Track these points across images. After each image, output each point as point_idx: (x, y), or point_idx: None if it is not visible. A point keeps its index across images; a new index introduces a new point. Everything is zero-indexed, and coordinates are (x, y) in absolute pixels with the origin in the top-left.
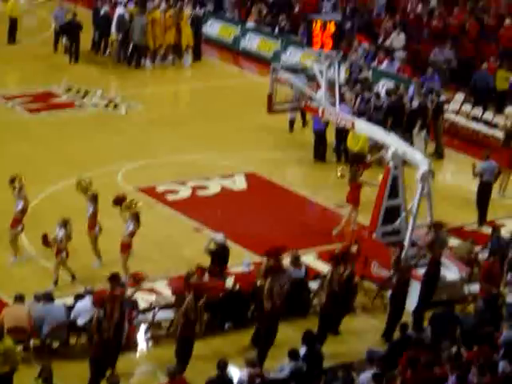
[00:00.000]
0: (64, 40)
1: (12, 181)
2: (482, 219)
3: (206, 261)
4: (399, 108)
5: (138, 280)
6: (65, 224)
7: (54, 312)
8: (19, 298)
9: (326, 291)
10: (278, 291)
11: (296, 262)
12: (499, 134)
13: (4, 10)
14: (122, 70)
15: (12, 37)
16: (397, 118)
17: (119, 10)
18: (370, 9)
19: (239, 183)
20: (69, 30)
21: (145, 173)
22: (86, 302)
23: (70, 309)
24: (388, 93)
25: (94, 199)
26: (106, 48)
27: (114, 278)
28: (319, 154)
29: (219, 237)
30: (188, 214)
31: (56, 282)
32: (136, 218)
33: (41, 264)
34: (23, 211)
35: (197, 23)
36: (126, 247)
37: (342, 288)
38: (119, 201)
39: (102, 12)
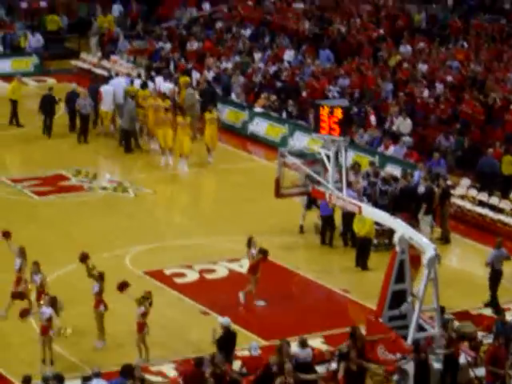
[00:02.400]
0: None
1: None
2: (494, 303)
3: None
4: (409, 193)
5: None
6: (52, 302)
7: None
8: (27, 380)
9: (343, 370)
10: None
11: (303, 345)
12: (505, 219)
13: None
14: (129, 154)
15: (14, 119)
16: (405, 203)
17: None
18: (377, 94)
19: (246, 266)
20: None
21: (153, 256)
22: None
23: None
24: (396, 178)
25: (100, 278)
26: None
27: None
28: (326, 238)
29: (225, 320)
30: (195, 298)
31: (48, 361)
32: (148, 302)
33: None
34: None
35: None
36: (140, 327)
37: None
38: (123, 286)
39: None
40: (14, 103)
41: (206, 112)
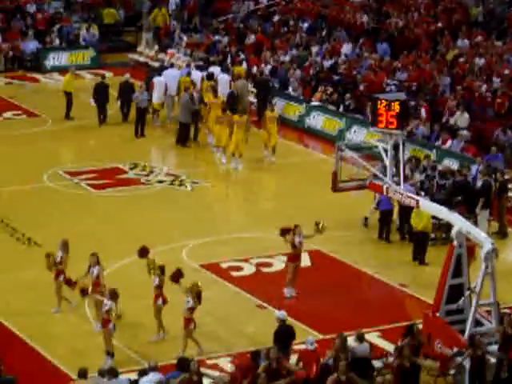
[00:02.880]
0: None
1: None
2: None
3: (270, 338)
4: (465, 187)
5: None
6: (113, 295)
7: None
8: (83, 373)
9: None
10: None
11: (360, 339)
12: None
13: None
14: (186, 147)
15: (68, 112)
16: (462, 197)
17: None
18: (435, 88)
19: (303, 260)
20: None
21: (209, 249)
22: (149, 378)
23: None
24: (452, 172)
25: (161, 271)
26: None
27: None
28: (384, 233)
29: (281, 314)
30: (252, 291)
31: (110, 354)
32: (197, 295)
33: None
34: (98, 276)
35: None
36: (187, 322)
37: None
38: (176, 276)
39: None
40: (69, 95)
41: (266, 110)
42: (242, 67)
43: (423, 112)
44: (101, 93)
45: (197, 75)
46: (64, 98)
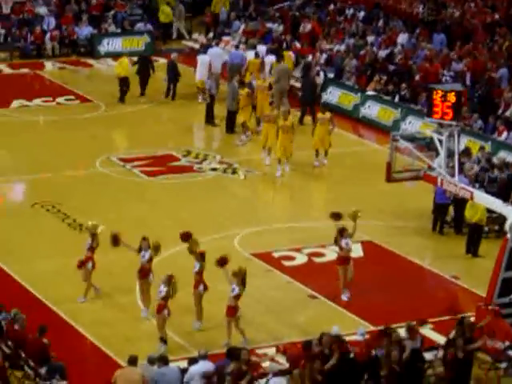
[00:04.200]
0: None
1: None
2: None
3: (321, 328)
4: None
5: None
6: (169, 281)
7: (168, 375)
8: (133, 360)
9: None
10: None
11: (412, 333)
12: None
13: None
14: (239, 136)
15: (122, 97)
16: None
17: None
18: (491, 79)
19: (356, 251)
20: None
21: (262, 238)
22: (199, 366)
23: (183, 372)
24: (505, 165)
25: (201, 257)
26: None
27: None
28: (438, 226)
29: (335, 330)
30: (303, 281)
31: (163, 340)
32: (242, 282)
33: (154, 325)
34: (150, 261)
35: None
36: (231, 310)
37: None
38: (222, 262)
39: None
40: (122, 81)
41: (318, 113)
42: (290, 53)
43: None
44: (171, 70)
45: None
46: (117, 83)
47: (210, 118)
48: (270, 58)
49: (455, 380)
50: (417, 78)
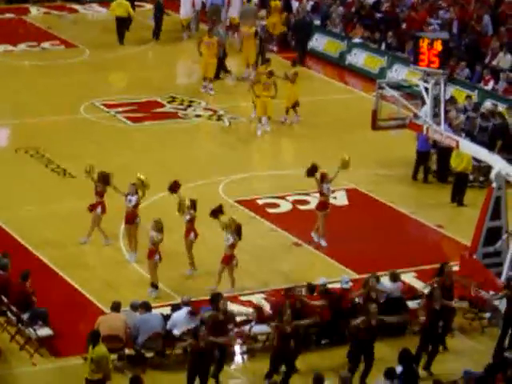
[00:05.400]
0: None
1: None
2: None
3: (305, 276)
4: (504, 130)
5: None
6: (159, 228)
7: (151, 322)
8: (116, 307)
9: (427, 309)
10: (375, 310)
11: (394, 278)
12: None
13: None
14: (224, 82)
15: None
16: (503, 140)
17: None
18: (477, 28)
19: (340, 199)
20: None
21: (246, 185)
22: (182, 313)
23: (166, 319)
24: (492, 114)
25: (192, 206)
26: None
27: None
28: (420, 174)
29: (322, 280)
30: (288, 229)
31: (154, 285)
32: (237, 231)
33: (137, 271)
34: (136, 206)
35: None
36: (227, 259)
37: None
38: (216, 213)
39: None
40: (121, 21)
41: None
42: (278, 1)
43: None
44: (158, 10)
45: None
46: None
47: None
48: None
49: (436, 329)
50: (403, 26)
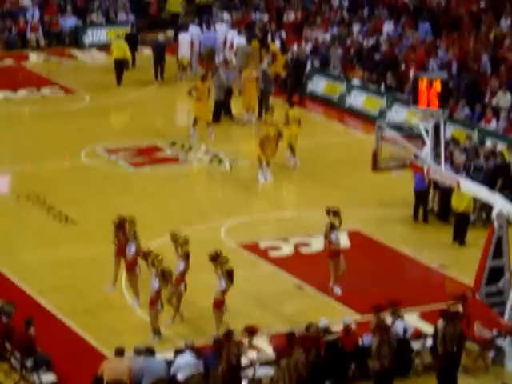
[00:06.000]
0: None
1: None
2: None
3: (306, 319)
4: (505, 169)
5: (251, 332)
6: (162, 274)
7: (155, 366)
8: (119, 352)
9: (440, 350)
10: (387, 351)
11: (395, 314)
12: None
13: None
14: (225, 125)
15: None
16: (503, 180)
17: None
18: (476, 67)
19: (342, 241)
20: None
21: (248, 229)
22: (186, 357)
23: (170, 364)
24: (492, 154)
25: (186, 257)
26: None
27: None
28: (420, 214)
29: (323, 322)
30: (290, 271)
31: (157, 331)
32: (229, 275)
33: (140, 316)
34: (136, 253)
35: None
36: (218, 304)
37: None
38: (215, 257)
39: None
40: (119, 63)
41: (289, 109)
42: (275, 44)
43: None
44: (158, 51)
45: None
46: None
47: (226, 111)
48: (239, 40)
49: (444, 370)
50: (402, 66)
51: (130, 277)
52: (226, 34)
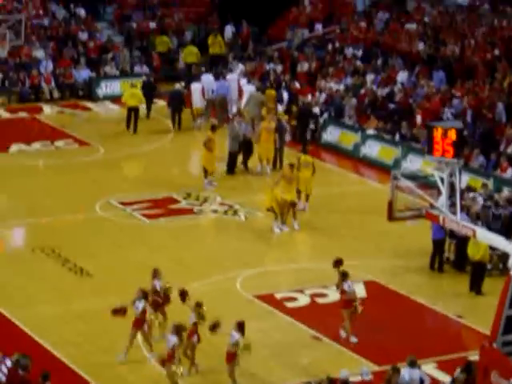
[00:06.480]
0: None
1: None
2: None
3: (325, 369)
4: None
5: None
6: (178, 331)
7: None
8: None
9: None
10: None
11: (412, 365)
12: None
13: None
14: (239, 176)
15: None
16: None
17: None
18: (491, 116)
19: (359, 291)
20: None
21: (263, 280)
22: None
23: None
24: (509, 202)
25: (198, 307)
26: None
27: None
28: (437, 263)
29: (343, 374)
30: (306, 323)
31: None
32: (240, 328)
33: (155, 370)
34: (144, 312)
35: None
36: (231, 357)
37: None
38: (183, 295)
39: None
40: (133, 111)
41: (302, 155)
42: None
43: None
44: (176, 100)
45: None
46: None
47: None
48: (249, 88)
49: None
50: (417, 116)
51: (138, 333)
52: (237, 82)
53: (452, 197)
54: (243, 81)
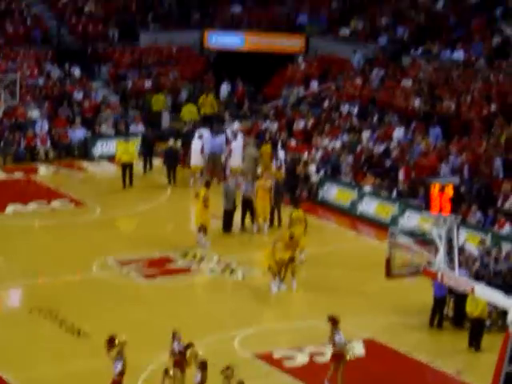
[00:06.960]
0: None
1: (111, 341)
2: None
3: None
4: None
5: None
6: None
7: None
8: None
9: None
10: None
11: None
12: None
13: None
14: (235, 234)
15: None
16: None
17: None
18: (488, 171)
19: (358, 349)
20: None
21: (262, 338)
22: None
23: None
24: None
25: (203, 367)
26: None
27: None
28: (436, 320)
29: None
30: (305, 381)
31: None
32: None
33: None
34: (122, 373)
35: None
36: None
37: None
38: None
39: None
40: (127, 167)
41: (293, 211)
42: (268, 146)
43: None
44: (170, 157)
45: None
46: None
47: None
48: (237, 144)
49: None
50: (414, 172)
51: None
52: (227, 139)
53: (450, 253)
54: (235, 138)
